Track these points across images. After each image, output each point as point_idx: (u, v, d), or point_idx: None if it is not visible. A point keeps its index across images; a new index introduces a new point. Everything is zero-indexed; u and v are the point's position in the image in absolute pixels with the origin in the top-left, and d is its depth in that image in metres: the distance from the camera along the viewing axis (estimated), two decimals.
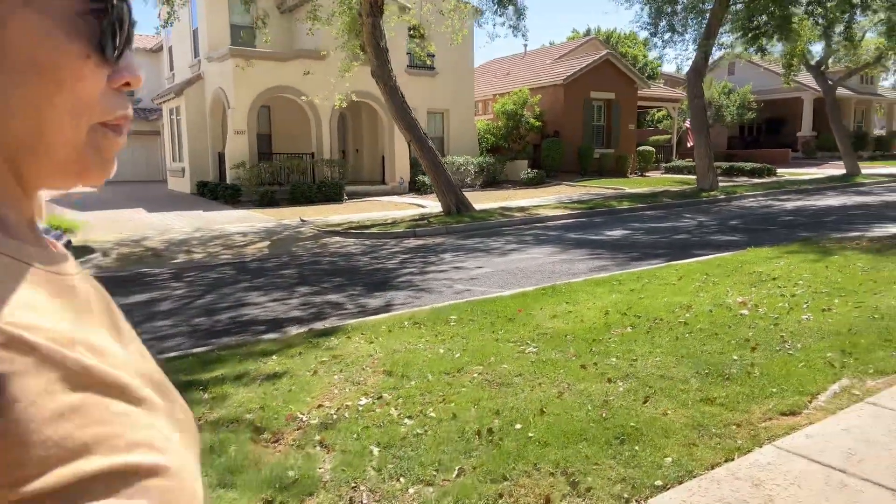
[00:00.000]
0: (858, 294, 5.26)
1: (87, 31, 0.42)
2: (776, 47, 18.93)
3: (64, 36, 0.41)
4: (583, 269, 8.04)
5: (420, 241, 11.71)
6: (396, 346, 4.20)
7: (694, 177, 25.50)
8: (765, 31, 15.44)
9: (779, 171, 26.68)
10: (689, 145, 31.02)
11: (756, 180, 23.46)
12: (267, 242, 11.68)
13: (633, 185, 21.42)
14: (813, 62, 23.67)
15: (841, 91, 35.85)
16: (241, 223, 14.05)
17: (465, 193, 21.37)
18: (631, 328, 4.56)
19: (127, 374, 0.42)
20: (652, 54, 41.99)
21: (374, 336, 4.45)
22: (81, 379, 0.38)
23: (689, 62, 18.86)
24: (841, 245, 7.73)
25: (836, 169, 26.55)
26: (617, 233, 11.77)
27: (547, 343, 4.24)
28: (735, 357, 3.85)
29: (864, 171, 24.87)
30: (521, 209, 15.62)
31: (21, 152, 0.43)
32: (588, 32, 43.92)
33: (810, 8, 14.79)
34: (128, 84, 0.46)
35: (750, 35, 15.90)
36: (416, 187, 21.38)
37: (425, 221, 13.46)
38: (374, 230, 12.69)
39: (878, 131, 40.18)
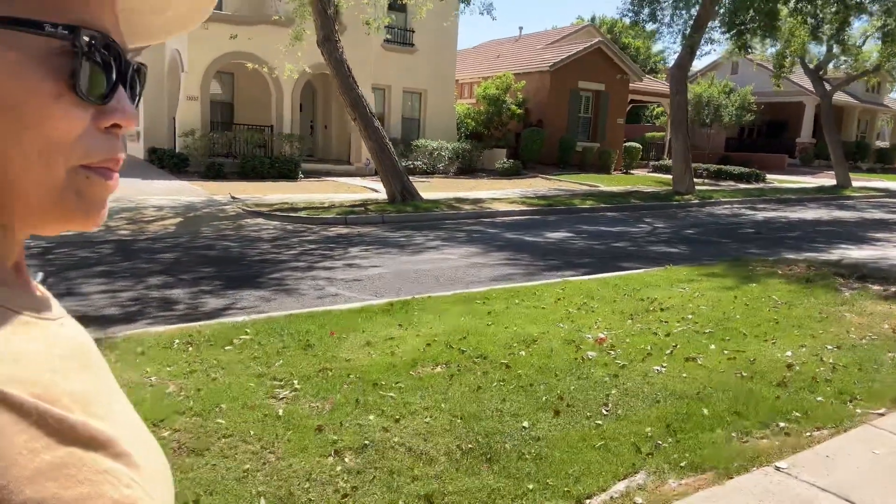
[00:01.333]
0: (747, 338, 4.40)
1: (62, 70, 0.40)
2: (767, 48, 17.85)
3: (33, 74, 0.40)
4: (483, 276, 7.18)
5: (345, 230, 10.86)
6: (120, 378, 3.35)
7: None
8: (750, 28, 14.36)
9: (770, 177, 25.64)
10: None
11: (742, 186, 22.48)
12: (179, 219, 10.83)
13: (610, 183, 20.46)
14: (812, 65, 22.54)
15: (844, 98, 34.63)
16: (169, 196, 13.19)
17: (437, 180, 20.54)
18: (442, 367, 3.71)
19: (111, 426, 0.41)
20: (656, 47, 40.63)
21: (116, 359, 3.61)
22: (65, 435, 0.37)
23: (676, 56, 17.86)
24: (771, 269, 6.84)
25: (829, 179, 25.44)
26: (558, 235, 10.88)
27: (318, 385, 3.39)
28: (526, 424, 3.00)
29: (857, 184, 23.82)
30: (476, 201, 14.72)
31: None
32: (593, 20, 42.51)
33: (799, 6, 13.70)
34: (117, 126, 0.44)
35: (735, 31, 14.82)
36: None
37: (362, 208, 12.57)
38: (302, 214, 11.82)
39: (881, 143, 38.94)
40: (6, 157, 0.40)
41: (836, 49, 18.98)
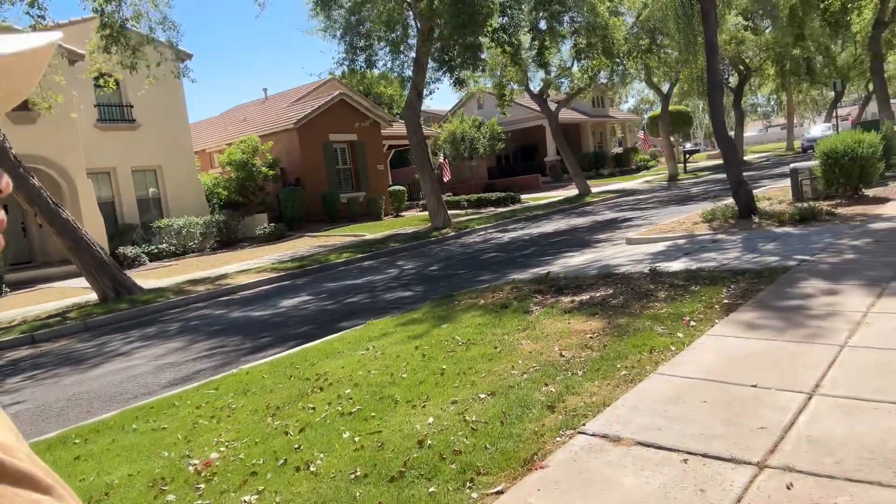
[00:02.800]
0: (397, 407, 3.67)
1: None
2: (486, 79, 18.96)
3: None
4: (162, 382, 5.85)
5: (27, 351, 8.78)
6: None
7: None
8: (458, 62, 14.92)
9: (526, 196, 27.36)
10: (445, 180, 31.08)
11: (501, 209, 23.50)
12: None
13: (376, 230, 20.06)
14: (536, 91, 24.63)
15: (576, 116, 38.83)
16: None
17: (188, 260, 18.47)
18: None
19: (32, 467, 0.46)
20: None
21: None
22: (7, 476, 0.43)
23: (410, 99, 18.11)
24: (475, 301, 6.45)
25: (575, 190, 27.88)
26: (293, 302, 9.85)
27: None
28: None
29: (597, 190, 26.32)
30: (218, 279, 13.19)
31: None
32: (345, 75, 42.91)
33: (496, 35, 14.59)
34: None
35: (446, 68, 15.32)
36: (119, 261, 17.86)
37: (60, 318, 10.43)
38: None
39: (616, 149, 44.30)
40: None
41: (543, 74, 20.77)
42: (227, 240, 21.14)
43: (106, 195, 19.82)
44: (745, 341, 4.02)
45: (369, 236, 18.74)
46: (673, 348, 4.04)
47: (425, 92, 17.85)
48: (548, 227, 16.23)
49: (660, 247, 9.12)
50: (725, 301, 4.98)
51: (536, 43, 16.66)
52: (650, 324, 4.61)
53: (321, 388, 4.22)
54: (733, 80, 33.77)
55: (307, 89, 28.66)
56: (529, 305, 5.86)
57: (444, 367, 4.29)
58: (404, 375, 4.23)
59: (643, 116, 57.60)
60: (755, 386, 3.30)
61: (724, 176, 25.22)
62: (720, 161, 40.43)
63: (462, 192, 29.91)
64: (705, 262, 6.98)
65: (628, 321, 4.76)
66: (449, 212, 24.94)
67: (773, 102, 60.28)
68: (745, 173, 28.15)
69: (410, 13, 17.07)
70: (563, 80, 24.91)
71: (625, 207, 18.74)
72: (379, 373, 4.39)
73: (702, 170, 33.10)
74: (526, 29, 16.55)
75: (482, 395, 3.64)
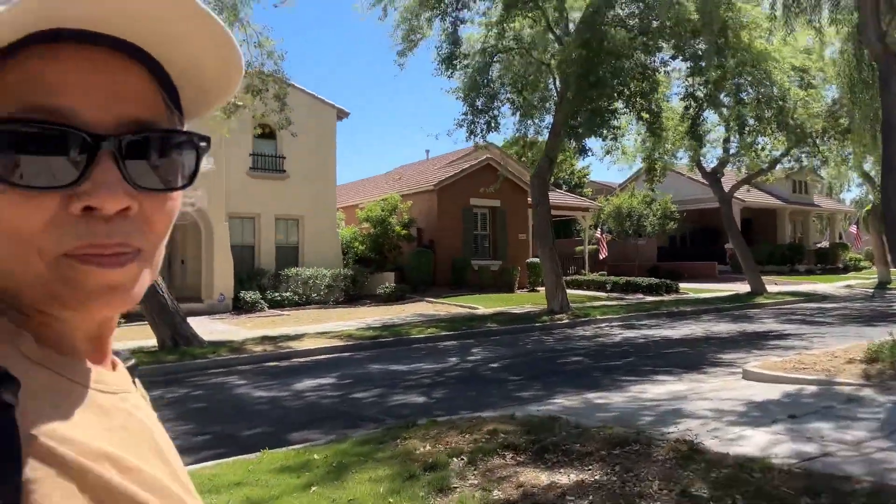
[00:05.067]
0: None
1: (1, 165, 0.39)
2: (635, 157, 16.65)
3: None
4: None
5: None
6: None
7: (584, 292, 22.69)
8: (584, 129, 13.03)
9: (690, 286, 23.75)
10: (601, 257, 28.42)
11: (649, 298, 20.48)
12: None
13: (492, 304, 18.42)
14: (709, 169, 21.52)
15: (771, 200, 33.90)
16: None
17: (305, 311, 18.36)
18: None
19: (155, 495, 0.43)
20: (582, 162, 40.29)
21: None
22: (101, 493, 0.40)
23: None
24: (418, 444, 4.52)
25: (748, 286, 23.60)
26: (310, 384, 8.60)
27: None
28: None
29: (779, 289, 22.06)
30: (285, 339, 12.43)
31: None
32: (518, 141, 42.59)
33: (632, 101, 12.48)
34: (90, 209, 0.42)
35: (571, 133, 13.51)
36: (239, 305, 18.34)
37: None
38: None
39: (822, 244, 37.83)
40: None
41: (718, 150, 17.84)
42: (353, 295, 20.86)
43: (248, 240, 20.76)
44: None
45: (480, 311, 17.14)
46: None
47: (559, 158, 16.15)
48: (681, 330, 13.26)
49: (774, 392, 6.32)
50: None
51: (691, 112, 14.14)
52: None
53: None
54: None
55: (463, 152, 28.36)
56: (466, 475, 3.86)
57: None
58: None
59: (862, 209, 49.01)
60: None
61: None
62: None
63: (623, 272, 27.05)
64: (800, 440, 4.34)
65: None
66: (588, 293, 22.46)
67: None
68: None
69: (550, 76, 15.71)
70: (742, 158, 21.42)
71: (795, 318, 14.91)
72: None
73: None
74: (679, 96, 14.17)
75: None
